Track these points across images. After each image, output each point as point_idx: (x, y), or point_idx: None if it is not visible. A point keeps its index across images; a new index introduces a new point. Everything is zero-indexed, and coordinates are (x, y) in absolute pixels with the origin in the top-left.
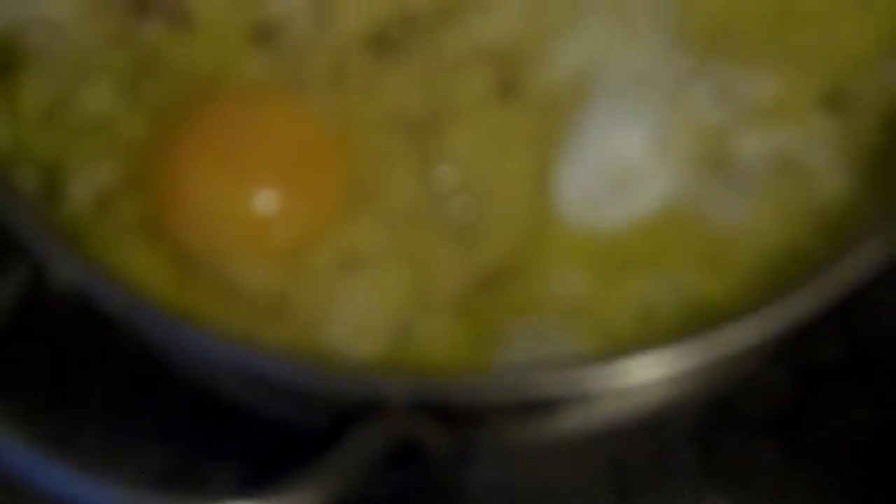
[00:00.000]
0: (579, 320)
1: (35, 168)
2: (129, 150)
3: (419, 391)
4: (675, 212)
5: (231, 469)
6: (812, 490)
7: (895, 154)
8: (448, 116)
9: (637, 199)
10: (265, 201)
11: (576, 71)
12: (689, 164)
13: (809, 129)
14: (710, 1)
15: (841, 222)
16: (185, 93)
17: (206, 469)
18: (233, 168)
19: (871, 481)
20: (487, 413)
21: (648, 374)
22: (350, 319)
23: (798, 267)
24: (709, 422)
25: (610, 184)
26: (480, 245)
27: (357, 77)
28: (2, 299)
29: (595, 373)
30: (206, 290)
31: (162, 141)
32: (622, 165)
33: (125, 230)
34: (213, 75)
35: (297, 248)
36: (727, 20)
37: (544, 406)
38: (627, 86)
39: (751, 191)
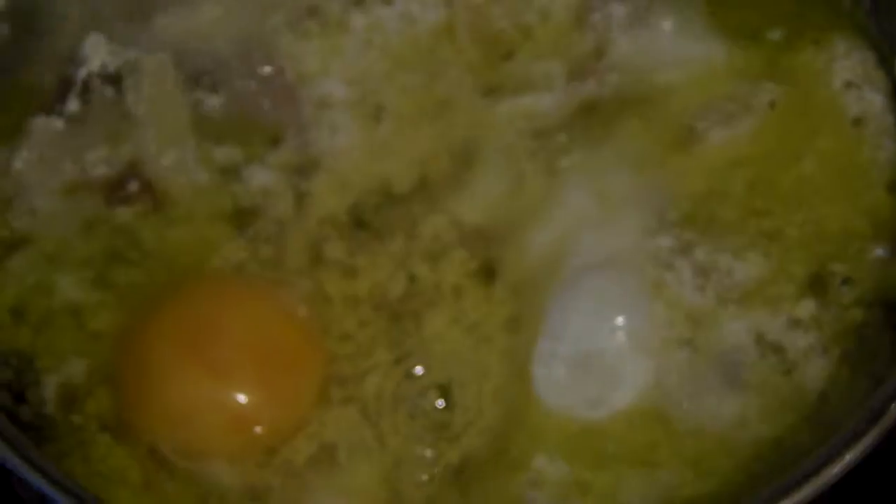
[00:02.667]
0: None
1: (6, 364)
2: (101, 342)
3: None
4: (656, 402)
5: None
6: None
7: (872, 331)
8: (427, 301)
9: (617, 389)
10: (243, 399)
11: (554, 253)
12: (668, 352)
13: (791, 312)
14: (689, 180)
15: (823, 405)
16: (160, 278)
17: None
18: (207, 362)
19: None
20: None
21: None
22: None
23: (783, 452)
24: None
25: (590, 374)
26: (456, 438)
27: (335, 260)
28: None
29: None
30: (176, 488)
31: (132, 331)
32: (601, 353)
33: (93, 427)
34: (190, 259)
35: (274, 445)
36: (707, 200)
37: None
38: (606, 268)
39: (732, 379)
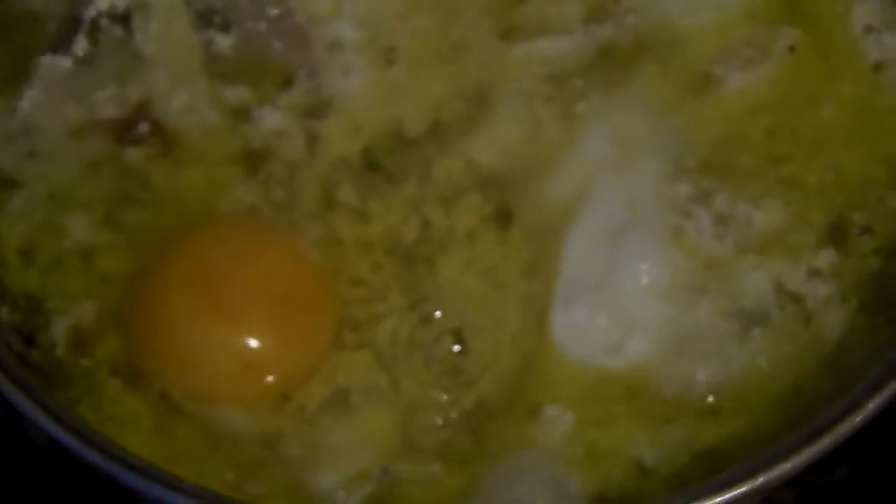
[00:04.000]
0: (572, 467)
1: (14, 306)
2: (111, 285)
3: None
4: (674, 352)
5: None
6: None
7: (891, 279)
8: (441, 246)
9: (635, 337)
10: (255, 344)
11: (571, 198)
12: (687, 300)
13: (811, 261)
14: (707, 126)
15: (842, 354)
16: (170, 221)
17: None
18: (219, 307)
19: None
20: None
21: None
22: (337, 465)
23: (803, 402)
24: None
25: (608, 321)
26: (471, 384)
27: (347, 203)
28: None
29: None
30: (188, 433)
31: (142, 275)
32: (619, 299)
33: (103, 371)
34: (201, 201)
35: (286, 390)
36: (726, 146)
37: None
38: (626, 215)
39: (751, 328)
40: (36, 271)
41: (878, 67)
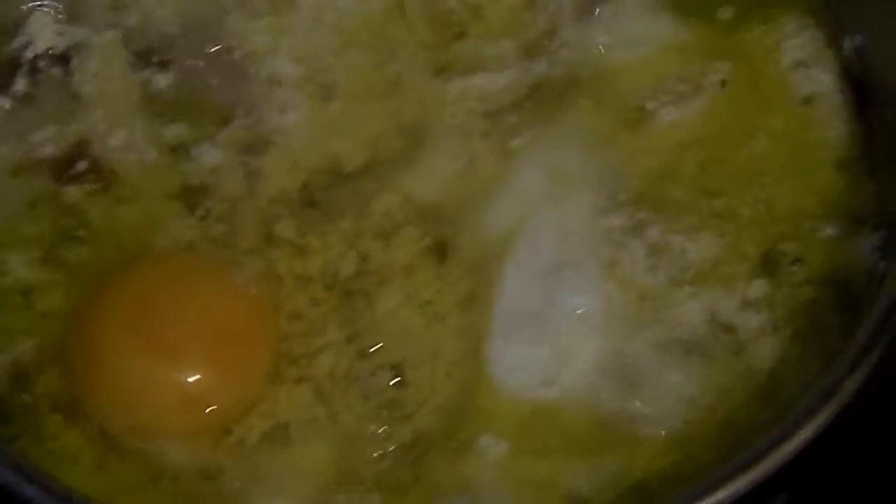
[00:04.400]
0: (509, 499)
1: None
2: (50, 322)
3: None
4: (607, 383)
5: None
6: None
7: (823, 309)
8: (379, 280)
9: (569, 368)
10: (192, 379)
11: (507, 231)
12: (620, 332)
13: (743, 292)
14: (641, 159)
15: (775, 383)
16: (109, 257)
17: None
18: (156, 343)
19: None
20: None
21: None
22: (276, 498)
23: (737, 432)
24: None
25: (543, 353)
26: (409, 416)
27: (286, 238)
28: None
29: None
30: (128, 468)
31: (81, 311)
32: (554, 331)
33: (43, 407)
34: (140, 237)
35: (225, 424)
36: (659, 179)
37: None
38: (561, 247)
39: (684, 359)
40: None
41: (807, 101)
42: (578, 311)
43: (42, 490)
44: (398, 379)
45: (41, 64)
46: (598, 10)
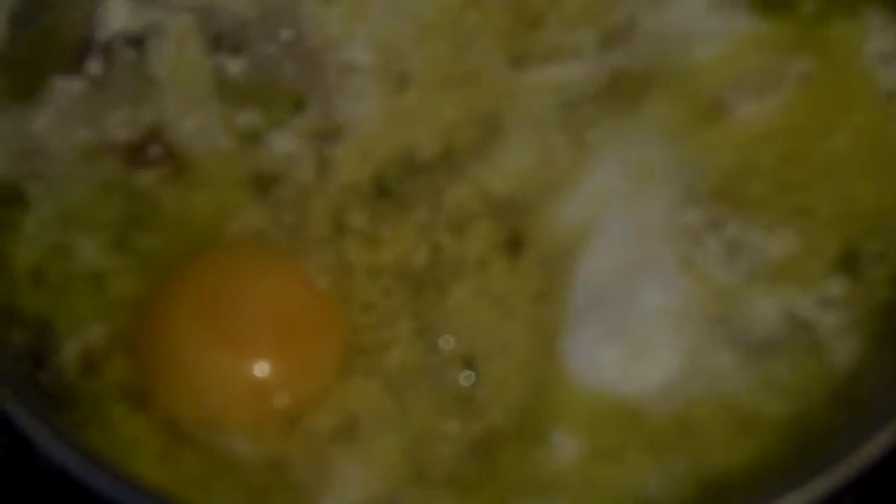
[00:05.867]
0: (581, 496)
1: (24, 327)
2: (120, 308)
3: None
4: (684, 379)
5: None
6: None
7: None
8: (451, 273)
9: (645, 364)
10: (261, 370)
11: (583, 225)
12: (697, 329)
13: (822, 290)
14: (719, 154)
15: (854, 387)
16: (179, 244)
17: None
18: (226, 333)
19: None
20: None
21: None
22: (345, 494)
23: (812, 433)
24: None
25: (618, 349)
26: (481, 412)
27: (358, 228)
28: None
29: None
30: (194, 459)
31: (151, 299)
32: (630, 329)
33: (112, 395)
34: (210, 224)
35: (293, 416)
36: (737, 174)
37: None
38: (635, 242)
39: (761, 357)
40: (46, 293)
41: (891, 96)
42: (654, 307)
43: (112, 479)
44: (470, 373)
45: (115, 46)
46: (677, 2)
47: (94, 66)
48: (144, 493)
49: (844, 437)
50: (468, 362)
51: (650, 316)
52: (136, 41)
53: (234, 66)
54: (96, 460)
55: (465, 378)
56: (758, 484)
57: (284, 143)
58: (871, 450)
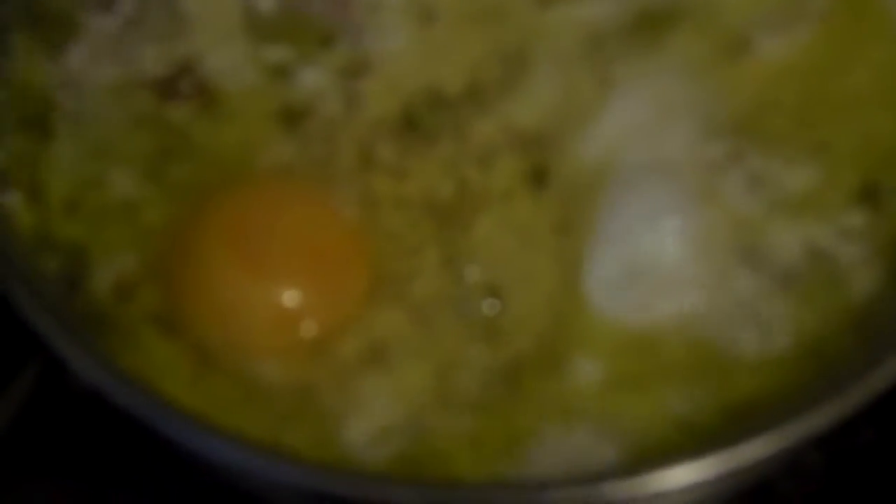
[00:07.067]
0: (608, 425)
1: (58, 255)
2: (152, 237)
3: (432, 499)
4: (709, 309)
5: None
6: None
7: None
8: (476, 205)
9: (669, 295)
10: (289, 297)
11: (605, 157)
12: (718, 259)
13: (842, 222)
14: (741, 89)
15: (872, 317)
16: (210, 176)
17: None
18: (255, 261)
19: None
20: None
21: (679, 482)
22: (371, 418)
23: (833, 363)
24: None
25: (641, 278)
26: (505, 339)
27: (385, 161)
28: (23, 387)
29: (619, 487)
30: (223, 384)
31: (182, 229)
32: (652, 259)
33: (144, 320)
34: (240, 157)
35: (321, 343)
36: (759, 109)
37: None
38: (657, 174)
39: (784, 287)
40: (80, 222)
41: None
42: (676, 239)
43: (146, 401)
44: (495, 302)
45: None
46: None
47: (126, 4)
48: (176, 414)
49: (861, 363)
50: (493, 291)
51: (671, 248)
52: None
53: (264, 2)
54: (129, 381)
55: (489, 307)
56: (779, 408)
57: (313, 78)
58: (885, 373)
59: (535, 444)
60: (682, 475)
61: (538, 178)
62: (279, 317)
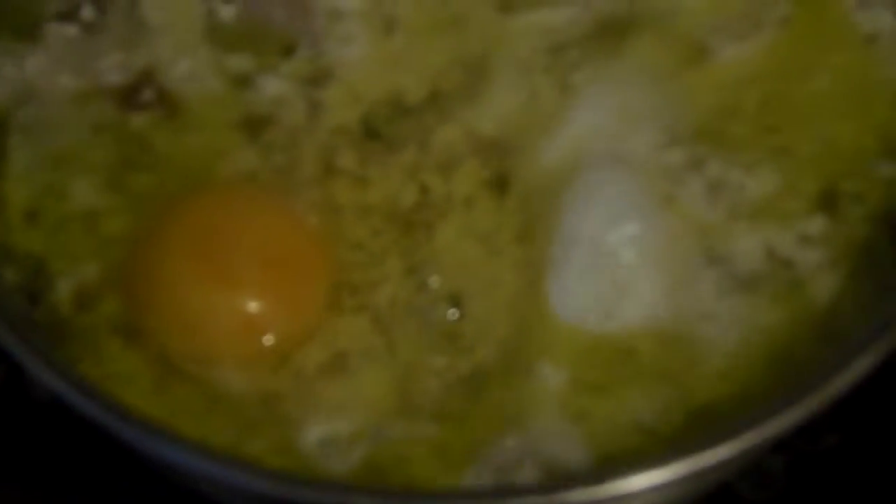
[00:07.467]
0: (572, 431)
1: (18, 266)
2: (114, 246)
3: None
4: (666, 316)
5: None
6: None
7: (879, 246)
8: (439, 212)
9: (629, 301)
10: (251, 306)
11: (567, 164)
12: (679, 265)
13: (802, 227)
14: (702, 96)
15: (833, 322)
16: (172, 184)
17: None
18: (217, 270)
19: None
20: None
21: (640, 486)
22: (334, 426)
23: (794, 365)
24: None
25: (603, 285)
26: (469, 347)
27: (347, 169)
28: None
29: (580, 494)
30: (186, 392)
31: (144, 237)
32: (614, 265)
33: (106, 330)
34: (202, 166)
35: (283, 351)
36: (719, 115)
37: None
38: (619, 180)
39: (742, 293)
40: (40, 232)
41: (870, 39)
42: (637, 245)
43: (105, 409)
44: (457, 311)
45: None
46: None
47: (87, 12)
48: (136, 422)
49: (823, 367)
50: (455, 300)
51: (632, 254)
52: None
53: (226, 12)
54: (89, 391)
55: (452, 315)
56: (742, 413)
57: (275, 87)
58: (846, 378)
59: (498, 450)
60: (643, 480)
61: (500, 184)
62: (241, 325)
